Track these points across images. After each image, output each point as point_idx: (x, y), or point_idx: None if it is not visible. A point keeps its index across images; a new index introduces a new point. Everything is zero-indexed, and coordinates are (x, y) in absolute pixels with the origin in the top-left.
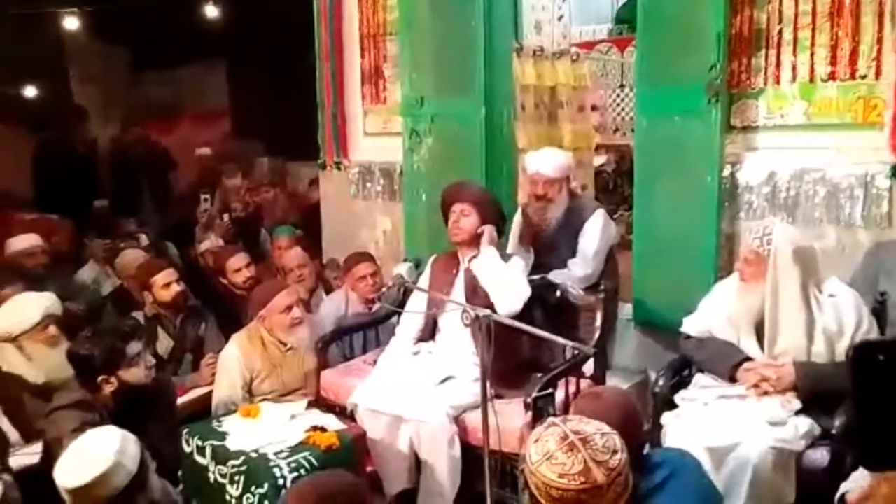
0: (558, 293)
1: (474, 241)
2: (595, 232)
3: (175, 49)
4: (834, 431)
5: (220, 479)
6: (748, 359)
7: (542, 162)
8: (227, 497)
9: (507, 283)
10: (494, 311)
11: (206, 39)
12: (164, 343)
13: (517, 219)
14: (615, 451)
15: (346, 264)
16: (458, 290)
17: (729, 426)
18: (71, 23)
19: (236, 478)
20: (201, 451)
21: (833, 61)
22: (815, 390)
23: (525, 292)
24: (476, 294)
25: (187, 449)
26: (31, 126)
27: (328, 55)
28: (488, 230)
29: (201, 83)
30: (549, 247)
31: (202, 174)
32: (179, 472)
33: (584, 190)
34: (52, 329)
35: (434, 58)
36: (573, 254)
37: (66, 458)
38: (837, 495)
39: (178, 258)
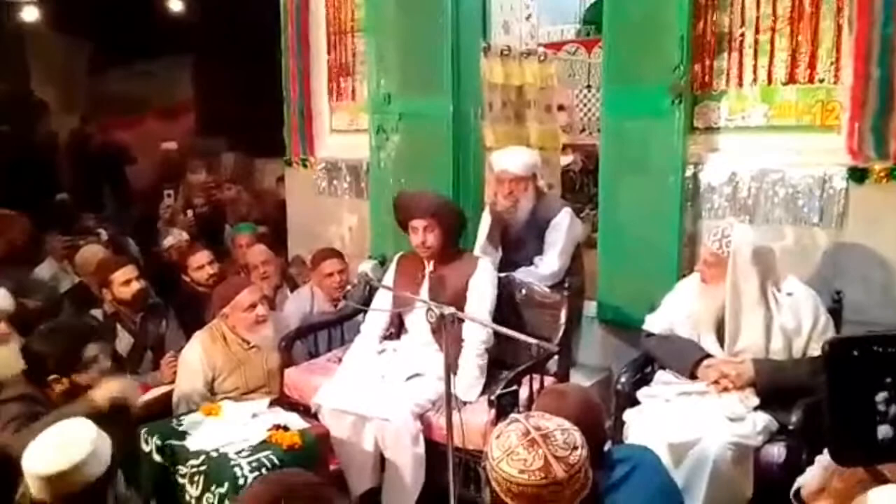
0: (523, 291)
1: (442, 251)
2: (561, 230)
3: (140, 43)
4: (791, 427)
5: (179, 480)
6: (708, 356)
7: (509, 160)
8: (187, 497)
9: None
10: (458, 310)
11: (171, 34)
12: (124, 341)
13: (485, 217)
14: (575, 447)
15: (313, 260)
16: (424, 293)
17: (689, 422)
18: (31, 13)
19: (196, 478)
20: (160, 450)
21: (793, 65)
22: (772, 386)
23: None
24: (441, 297)
25: (146, 448)
26: None
27: (294, 51)
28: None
29: (166, 78)
30: (516, 244)
31: (166, 169)
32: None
33: (550, 189)
34: (3, 326)
35: (401, 55)
36: (540, 251)
37: (37, 446)
38: (793, 489)
39: (139, 254)
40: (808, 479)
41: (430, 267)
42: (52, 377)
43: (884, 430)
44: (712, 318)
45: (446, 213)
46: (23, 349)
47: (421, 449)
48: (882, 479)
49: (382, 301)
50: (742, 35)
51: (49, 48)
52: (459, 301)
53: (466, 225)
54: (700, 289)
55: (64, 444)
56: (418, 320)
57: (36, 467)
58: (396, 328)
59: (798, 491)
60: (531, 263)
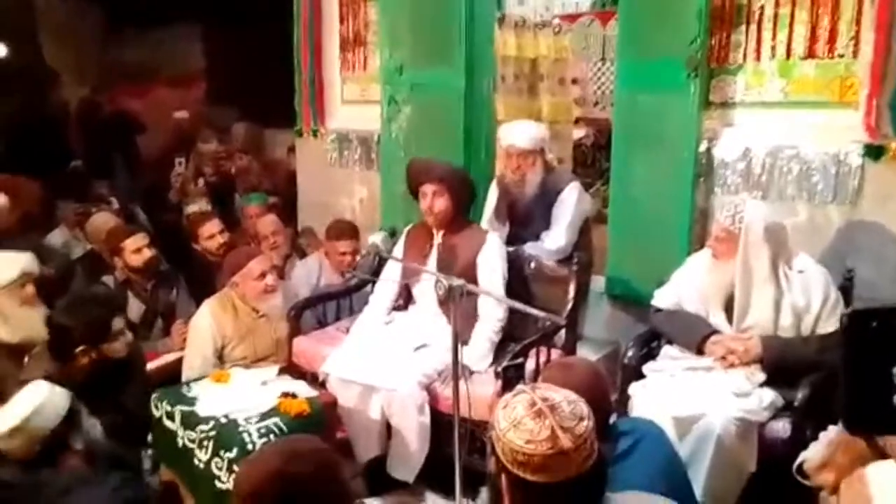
0: (532, 265)
1: (449, 219)
2: (569, 204)
3: (151, 10)
4: (796, 403)
5: (188, 444)
6: (716, 332)
7: (516, 134)
8: (196, 462)
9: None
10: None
11: (182, 1)
12: (135, 308)
13: (492, 191)
14: (582, 418)
15: (328, 232)
16: (432, 264)
17: (695, 397)
18: None
19: (205, 443)
20: (170, 415)
21: (812, 39)
22: (779, 363)
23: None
24: (449, 269)
25: (156, 413)
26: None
27: (307, 21)
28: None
29: (177, 47)
30: (524, 219)
31: (177, 138)
32: (149, 436)
33: (561, 163)
34: (30, 288)
35: (414, 25)
36: (547, 226)
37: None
38: (796, 463)
39: (147, 222)
40: (812, 454)
41: (438, 238)
42: (80, 349)
43: None
44: (722, 294)
45: (456, 181)
46: (48, 321)
47: (426, 418)
48: (882, 455)
49: (391, 272)
50: (761, 8)
51: (59, 17)
52: (468, 273)
53: (476, 195)
54: (711, 264)
55: (14, 404)
56: (427, 290)
57: None
58: (405, 299)
59: (801, 465)
60: (538, 238)
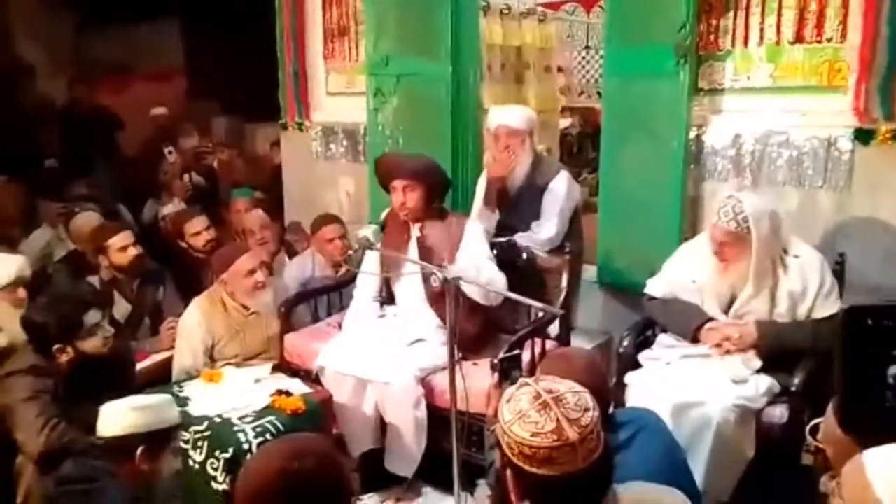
0: (524, 255)
1: (423, 212)
2: (559, 193)
3: (129, 2)
4: (793, 389)
5: (182, 445)
6: (711, 319)
7: (505, 115)
8: (191, 463)
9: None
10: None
11: None
12: (122, 307)
13: (481, 183)
14: (587, 409)
15: (312, 226)
16: (412, 256)
17: (692, 385)
18: None
19: (199, 443)
20: None
21: (800, 24)
22: (776, 349)
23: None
24: (430, 259)
25: None
26: None
27: (289, 10)
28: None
29: (156, 39)
30: (513, 209)
31: (157, 134)
32: None
33: (549, 153)
34: (21, 292)
35: (399, 15)
36: (537, 216)
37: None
38: (808, 427)
39: (133, 221)
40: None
41: (416, 231)
42: (56, 347)
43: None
44: (729, 294)
45: (427, 174)
46: (22, 320)
47: (423, 413)
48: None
49: (372, 263)
50: None
51: (33, 9)
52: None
53: (449, 186)
54: (718, 269)
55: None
56: (408, 286)
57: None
58: (389, 291)
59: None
60: (528, 228)
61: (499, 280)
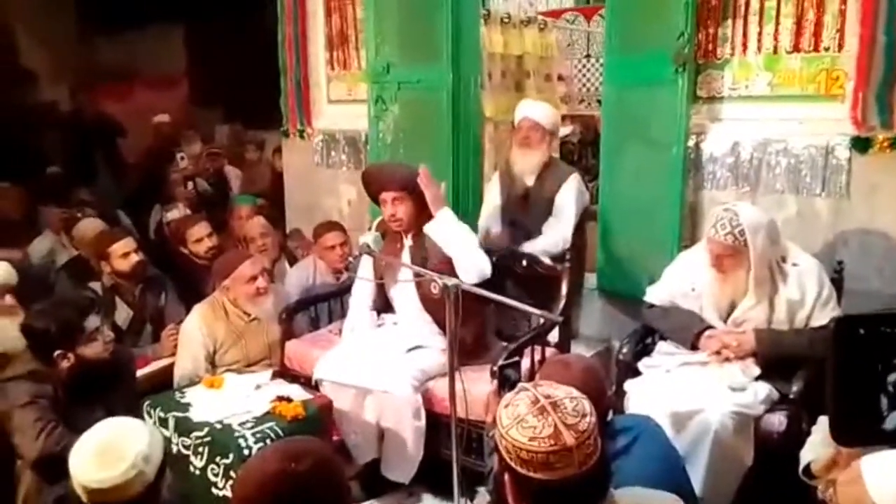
0: (524, 262)
1: (415, 222)
2: (571, 194)
3: (131, 9)
4: (791, 396)
5: (183, 451)
6: (710, 327)
7: (531, 108)
8: (191, 468)
9: (469, 244)
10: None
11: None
12: (123, 314)
13: (492, 186)
14: (584, 415)
15: (314, 233)
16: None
17: (691, 392)
18: None
19: (200, 449)
20: (163, 422)
21: (798, 32)
22: (774, 356)
23: (485, 261)
24: (426, 266)
25: (149, 421)
26: None
27: (291, 18)
28: (434, 193)
29: (158, 46)
30: (525, 211)
31: (160, 141)
32: None
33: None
34: (9, 299)
35: (401, 23)
36: (546, 219)
37: (85, 449)
38: (802, 465)
39: (133, 227)
40: (816, 454)
41: (408, 240)
42: (57, 352)
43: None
44: (729, 304)
45: (417, 185)
46: (22, 327)
47: (422, 422)
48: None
49: (367, 270)
50: (747, 1)
51: (35, 16)
52: (444, 270)
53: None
54: (717, 277)
55: (115, 449)
56: (404, 293)
57: (85, 477)
58: (385, 299)
59: (807, 467)
60: (538, 231)
61: (486, 265)
